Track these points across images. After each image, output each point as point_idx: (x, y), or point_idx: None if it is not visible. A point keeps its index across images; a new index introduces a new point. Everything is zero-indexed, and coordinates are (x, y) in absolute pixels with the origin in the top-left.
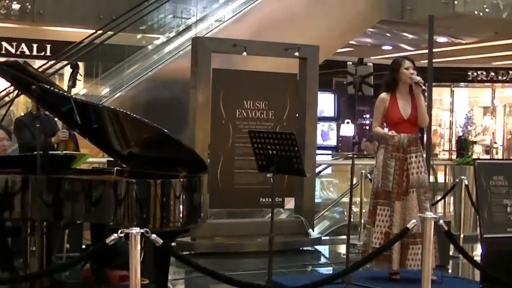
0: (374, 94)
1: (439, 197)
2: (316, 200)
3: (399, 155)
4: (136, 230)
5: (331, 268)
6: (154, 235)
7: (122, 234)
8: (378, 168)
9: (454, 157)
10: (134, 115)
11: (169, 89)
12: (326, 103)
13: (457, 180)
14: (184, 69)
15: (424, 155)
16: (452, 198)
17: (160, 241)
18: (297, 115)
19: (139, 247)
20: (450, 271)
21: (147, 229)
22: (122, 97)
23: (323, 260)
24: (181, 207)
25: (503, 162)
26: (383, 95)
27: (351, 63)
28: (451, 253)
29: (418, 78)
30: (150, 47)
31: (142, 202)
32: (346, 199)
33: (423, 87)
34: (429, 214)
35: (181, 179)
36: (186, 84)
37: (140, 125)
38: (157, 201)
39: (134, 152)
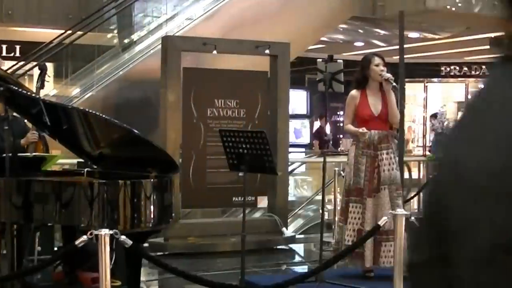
0: (344, 91)
1: (413, 194)
2: (290, 198)
3: (370, 152)
4: (105, 232)
5: (305, 266)
6: (123, 236)
7: (91, 236)
8: (349, 165)
9: (428, 153)
10: (104, 116)
11: (140, 89)
12: (298, 100)
13: (430, 176)
14: (155, 69)
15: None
16: None
17: (130, 242)
18: (268, 113)
19: (108, 248)
20: None
21: (116, 231)
22: (93, 98)
23: (297, 258)
24: (152, 207)
25: None
26: (354, 92)
27: (321, 60)
28: None
29: (388, 75)
30: (121, 46)
31: (113, 203)
32: (320, 197)
33: (393, 84)
34: (400, 210)
35: (152, 180)
36: (157, 84)
37: (110, 125)
38: (127, 202)
39: (104, 153)
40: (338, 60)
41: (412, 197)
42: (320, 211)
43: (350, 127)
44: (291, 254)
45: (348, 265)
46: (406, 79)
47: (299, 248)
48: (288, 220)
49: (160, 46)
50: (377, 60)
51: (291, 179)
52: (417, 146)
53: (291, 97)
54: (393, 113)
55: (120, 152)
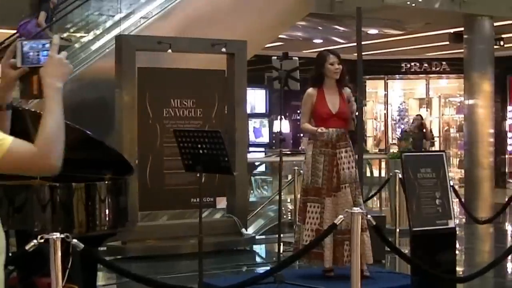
0: (300, 88)
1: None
2: (251, 199)
3: (328, 150)
4: (55, 235)
5: (266, 267)
6: (74, 240)
7: (42, 240)
8: (307, 164)
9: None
10: None
11: (96, 89)
12: (257, 99)
13: (391, 174)
14: (111, 68)
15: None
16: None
17: (81, 245)
18: (226, 112)
19: (59, 252)
20: (387, 266)
21: (68, 234)
22: None
23: (258, 259)
24: (107, 210)
25: (430, 154)
26: (310, 90)
27: (276, 57)
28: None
29: (346, 82)
30: (76, 45)
31: (67, 207)
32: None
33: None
34: (356, 209)
35: (107, 182)
36: (112, 84)
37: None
38: (81, 205)
39: None
40: (294, 58)
41: (373, 195)
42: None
43: (307, 125)
44: (252, 255)
45: (312, 266)
46: (367, 76)
47: (259, 249)
48: (249, 221)
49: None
50: (332, 58)
51: (251, 179)
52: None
53: (249, 96)
54: (353, 115)
55: (73, 154)
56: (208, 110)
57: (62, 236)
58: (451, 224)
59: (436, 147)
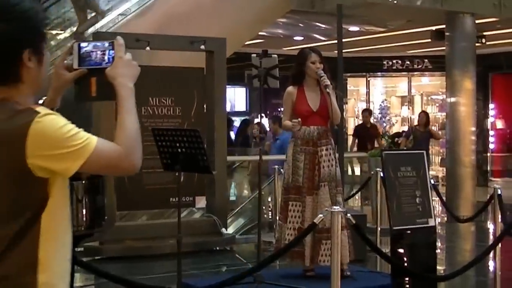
0: (280, 86)
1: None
2: (232, 198)
3: (309, 148)
4: None
5: (246, 267)
6: None
7: None
8: (288, 162)
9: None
10: None
11: (73, 88)
12: (238, 97)
13: (372, 172)
14: None
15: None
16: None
17: None
18: (205, 110)
19: None
20: (369, 265)
21: None
22: None
23: (238, 259)
24: (83, 210)
25: (411, 153)
26: (290, 88)
27: (255, 55)
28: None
29: (327, 82)
30: (53, 42)
31: None
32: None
33: (328, 91)
34: (336, 207)
35: (83, 181)
36: None
37: None
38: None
39: None
40: (273, 55)
41: (354, 194)
42: (262, 210)
43: (288, 123)
44: (231, 255)
45: (291, 265)
46: (348, 74)
47: (239, 248)
48: (229, 220)
49: None
50: (313, 57)
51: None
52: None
53: (230, 94)
54: (336, 115)
55: None
56: (187, 109)
57: None
58: (432, 222)
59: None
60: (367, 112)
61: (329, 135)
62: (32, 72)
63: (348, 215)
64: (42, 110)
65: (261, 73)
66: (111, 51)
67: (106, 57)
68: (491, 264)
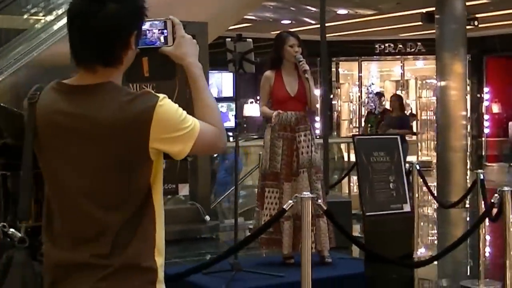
0: (257, 71)
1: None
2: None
3: (286, 134)
4: None
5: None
6: (12, 230)
7: None
8: (265, 148)
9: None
10: (3, 104)
11: (54, 74)
12: (224, 82)
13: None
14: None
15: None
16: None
17: (18, 235)
18: (187, 96)
19: None
20: (354, 252)
21: (5, 224)
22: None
23: (222, 247)
24: None
25: (384, 137)
26: (268, 73)
27: (230, 39)
28: (357, 234)
29: (306, 67)
30: (38, 25)
31: (14, 196)
32: (250, 182)
33: (307, 76)
34: (305, 194)
35: None
36: (69, 69)
37: (9, 113)
38: (32, 194)
39: (8, 143)
40: (248, 39)
41: (340, 180)
42: (250, 197)
43: (265, 109)
44: (215, 243)
45: (272, 254)
46: (342, 58)
47: (224, 236)
48: (216, 207)
49: None
50: (292, 40)
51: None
52: (354, 127)
53: (216, 80)
54: (313, 100)
55: (22, 141)
56: (168, 95)
57: None
58: (407, 208)
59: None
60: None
61: (307, 120)
62: (131, 54)
63: (319, 201)
64: (155, 93)
65: (236, 57)
66: (165, 30)
67: (162, 37)
68: (471, 249)
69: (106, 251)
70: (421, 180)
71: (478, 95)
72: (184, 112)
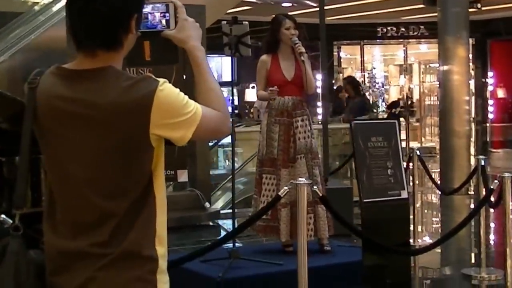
0: (255, 55)
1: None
2: (219, 171)
3: (283, 119)
4: None
5: (231, 244)
6: (3, 216)
7: None
8: (262, 134)
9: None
10: None
11: (49, 59)
12: (224, 67)
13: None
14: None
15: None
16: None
17: (9, 221)
18: (185, 81)
19: None
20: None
21: None
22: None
23: (223, 234)
24: None
25: (382, 122)
26: (264, 57)
27: (225, 22)
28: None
29: (302, 49)
30: (37, 7)
31: (10, 182)
32: (251, 169)
33: (303, 59)
34: (301, 180)
35: None
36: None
37: (6, 99)
38: (27, 180)
39: (3, 129)
40: (244, 22)
41: (340, 167)
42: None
43: (262, 93)
44: (216, 231)
45: (271, 241)
46: (345, 42)
47: (225, 224)
48: (217, 195)
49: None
50: (288, 23)
51: (220, 151)
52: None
53: (216, 64)
54: (310, 84)
55: (19, 127)
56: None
57: None
58: (404, 194)
59: (417, 116)
60: (348, 79)
61: (304, 105)
62: (131, 38)
63: (314, 187)
64: (155, 77)
65: (232, 41)
66: (167, 14)
67: (164, 20)
68: (473, 236)
69: (105, 240)
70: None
71: (483, 80)
72: (186, 97)
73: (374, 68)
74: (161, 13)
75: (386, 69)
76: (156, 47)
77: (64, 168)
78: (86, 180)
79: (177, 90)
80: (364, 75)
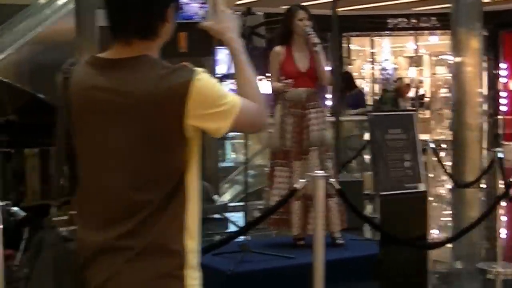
0: (268, 46)
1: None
2: (227, 164)
3: (297, 111)
4: None
5: (240, 237)
6: (15, 208)
7: None
8: (275, 125)
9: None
10: (6, 80)
11: (55, 52)
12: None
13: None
14: (71, 29)
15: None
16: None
17: (22, 214)
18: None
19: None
20: (366, 233)
21: (8, 202)
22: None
23: (232, 228)
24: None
25: (400, 114)
26: (278, 48)
27: (240, 13)
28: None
29: (316, 40)
30: (41, 1)
31: (19, 174)
32: (260, 162)
33: (317, 49)
34: (319, 172)
35: None
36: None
37: (13, 90)
38: (35, 172)
39: (11, 120)
40: (258, 13)
41: (352, 159)
42: (260, 177)
43: (276, 84)
44: (225, 224)
45: (281, 234)
46: (354, 33)
47: (232, 217)
48: (225, 187)
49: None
50: (301, 14)
51: (227, 144)
52: (367, 104)
53: (226, 56)
54: (324, 75)
55: (28, 119)
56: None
57: (2, 204)
58: (422, 187)
59: (428, 108)
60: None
61: (318, 97)
62: (168, 28)
63: (331, 180)
64: (193, 67)
65: (246, 32)
66: (205, 5)
67: (201, 11)
68: (487, 230)
69: (132, 232)
70: (435, 159)
71: (495, 72)
72: (224, 88)
73: (387, 60)
74: (198, 3)
75: (395, 61)
76: (192, 39)
77: (96, 159)
78: (117, 171)
79: (215, 80)
80: (373, 67)
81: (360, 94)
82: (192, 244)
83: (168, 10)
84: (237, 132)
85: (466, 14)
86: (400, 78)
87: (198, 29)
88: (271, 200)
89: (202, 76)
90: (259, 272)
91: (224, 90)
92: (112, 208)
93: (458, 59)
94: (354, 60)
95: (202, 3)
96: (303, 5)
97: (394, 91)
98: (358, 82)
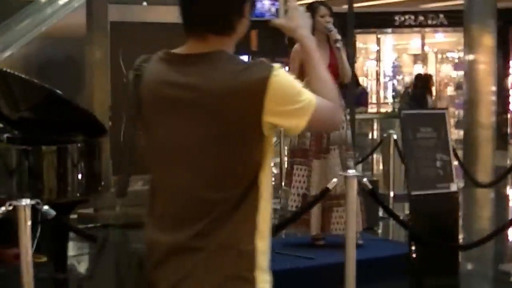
0: (289, 43)
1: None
2: None
3: None
4: (25, 202)
5: None
6: (46, 207)
7: (11, 207)
8: None
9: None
10: (23, 76)
11: (65, 47)
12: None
13: (384, 135)
14: (80, 25)
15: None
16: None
17: (53, 213)
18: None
19: (29, 221)
20: (380, 232)
21: (38, 200)
22: (12, 56)
23: None
24: (79, 175)
25: (432, 113)
26: (298, 45)
27: None
28: (380, 214)
29: (337, 37)
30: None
31: (35, 172)
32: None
33: (338, 46)
34: (351, 172)
35: (79, 145)
36: (83, 41)
37: (30, 86)
38: (51, 169)
39: (25, 117)
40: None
41: (364, 158)
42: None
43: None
44: None
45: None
46: (358, 30)
47: None
48: None
49: None
50: (323, 10)
51: None
52: (370, 103)
53: None
54: (346, 72)
55: (43, 115)
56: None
57: (33, 202)
58: (454, 188)
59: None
60: None
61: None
62: (244, 24)
63: (364, 179)
64: (270, 62)
65: None
66: (276, 2)
67: (273, 8)
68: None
69: (203, 232)
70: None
71: (504, 70)
72: (300, 85)
73: (398, 57)
74: (270, 1)
75: (399, 58)
76: (264, 37)
77: (168, 157)
78: (190, 170)
79: (292, 76)
80: (379, 65)
81: (364, 92)
82: (263, 245)
83: (246, 5)
84: (313, 129)
85: (479, 10)
86: (428, 75)
87: (271, 27)
88: (290, 199)
89: (279, 72)
90: (279, 273)
91: (300, 87)
92: (184, 208)
93: (470, 57)
94: (357, 57)
95: (274, 1)
96: (324, 2)
97: (422, 88)
98: (360, 80)
